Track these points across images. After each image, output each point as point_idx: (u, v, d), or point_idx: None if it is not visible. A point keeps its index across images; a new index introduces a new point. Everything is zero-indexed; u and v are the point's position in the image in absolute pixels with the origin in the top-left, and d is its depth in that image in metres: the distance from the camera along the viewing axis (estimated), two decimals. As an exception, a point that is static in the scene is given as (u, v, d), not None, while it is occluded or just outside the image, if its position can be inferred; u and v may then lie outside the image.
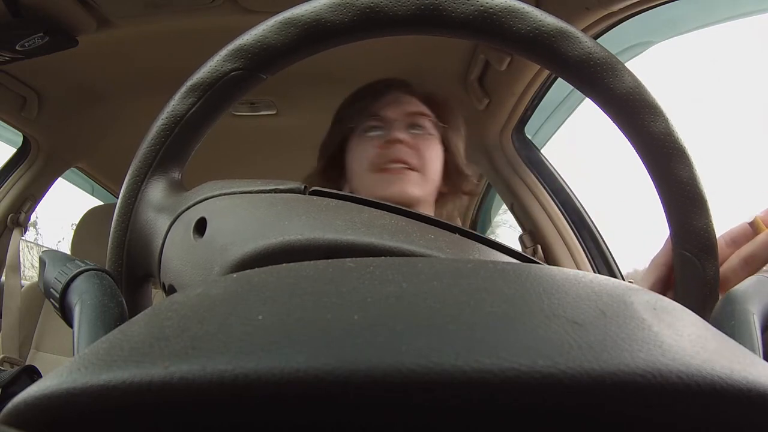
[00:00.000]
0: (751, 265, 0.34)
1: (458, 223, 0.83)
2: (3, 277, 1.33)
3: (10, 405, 0.15)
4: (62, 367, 0.16)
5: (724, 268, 0.34)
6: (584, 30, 0.77)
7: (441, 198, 0.80)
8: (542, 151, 1.25)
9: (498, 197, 1.43)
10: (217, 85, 0.31)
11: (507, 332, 0.15)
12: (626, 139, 0.31)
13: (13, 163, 1.37)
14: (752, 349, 0.25)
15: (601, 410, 0.14)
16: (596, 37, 0.85)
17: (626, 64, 0.30)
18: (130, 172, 0.33)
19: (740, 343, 0.19)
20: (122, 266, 0.33)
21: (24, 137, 1.34)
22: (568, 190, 1.21)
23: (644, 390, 0.14)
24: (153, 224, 0.31)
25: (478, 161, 1.26)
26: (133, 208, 0.32)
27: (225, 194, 0.30)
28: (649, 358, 0.15)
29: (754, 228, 0.34)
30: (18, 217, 1.36)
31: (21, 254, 1.37)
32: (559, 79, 0.63)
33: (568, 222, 1.19)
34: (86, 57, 1.08)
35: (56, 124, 1.30)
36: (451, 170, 0.78)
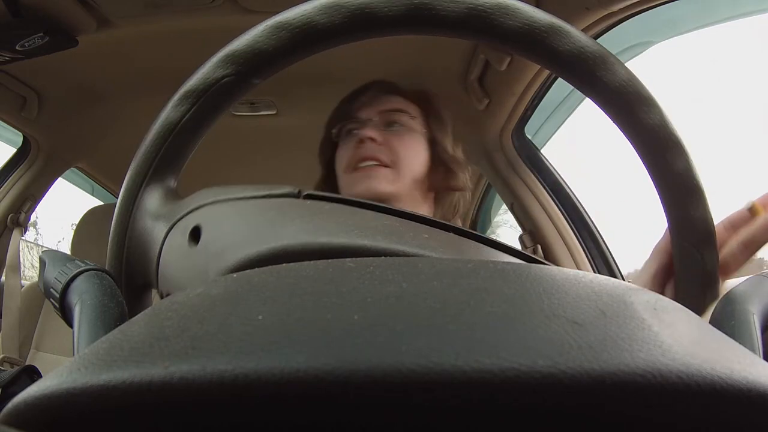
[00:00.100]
0: (750, 249, 0.34)
1: (458, 221, 0.83)
2: (3, 277, 1.33)
3: (10, 405, 0.15)
4: (62, 367, 0.16)
5: (724, 254, 0.34)
6: (584, 30, 0.77)
7: (438, 195, 0.80)
8: (542, 151, 1.25)
9: (498, 197, 1.43)
10: (209, 92, 0.31)
11: (507, 332, 0.15)
12: (621, 132, 0.31)
13: (13, 163, 1.37)
14: (752, 349, 0.25)
15: (601, 410, 0.14)
16: (596, 37, 0.85)
17: (626, 64, 0.30)
18: (126, 180, 0.33)
19: (740, 343, 0.19)
20: (121, 275, 0.33)
21: (24, 137, 1.34)
22: (568, 190, 1.21)
23: (644, 390, 0.14)
24: (150, 233, 0.32)
25: (478, 161, 1.26)
26: (130, 217, 0.32)
27: (219, 201, 0.30)
28: (649, 358, 0.15)
29: (752, 212, 0.34)
30: (18, 217, 1.36)
31: (21, 254, 1.37)
32: (560, 79, 0.63)
33: (568, 222, 1.19)
34: (86, 57, 1.08)
35: (56, 124, 1.30)
36: (437, 165, 0.78)
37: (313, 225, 0.27)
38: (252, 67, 0.30)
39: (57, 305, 0.29)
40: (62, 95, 1.26)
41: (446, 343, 0.14)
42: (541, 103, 1.12)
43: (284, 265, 0.21)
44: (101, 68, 1.18)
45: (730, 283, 0.33)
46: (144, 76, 1.18)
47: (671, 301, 0.20)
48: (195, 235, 0.29)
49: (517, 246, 1.25)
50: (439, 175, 0.78)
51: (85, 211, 1.30)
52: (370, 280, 0.18)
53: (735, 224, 0.35)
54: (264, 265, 0.25)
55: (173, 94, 0.31)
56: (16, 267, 1.32)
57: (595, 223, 1.19)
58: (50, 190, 1.44)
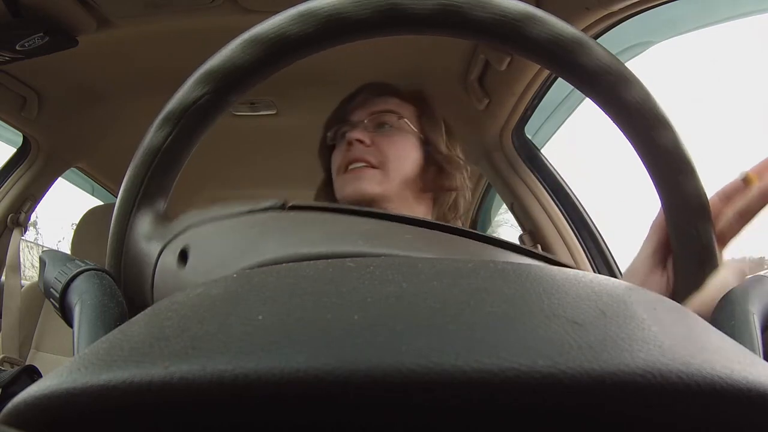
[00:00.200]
0: (745, 218, 0.34)
1: (458, 221, 0.83)
2: (3, 277, 1.33)
3: (10, 405, 0.15)
4: (62, 367, 0.16)
5: (720, 225, 0.34)
6: (584, 30, 0.77)
7: (436, 196, 0.80)
8: (542, 151, 1.25)
9: (498, 197, 1.43)
10: (187, 113, 0.31)
11: (507, 332, 0.15)
12: (605, 113, 0.31)
13: (13, 163, 1.37)
14: (752, 349, 0.25)
15: (601, 410, 0.14)
16: (596, 37, 0.85)
17: (626, 64, 0.30)
18: (116, 207, 0.33)
19: (740, 343, 0.19)
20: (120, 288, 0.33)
21: (24, 137, 1.34)
22: (568, 190, 1.21)
23: (644, 390, 0.14)
24: (143, 257, 0.32)
25: (478, 161, 1.26)
26: (123, 242, 0.32)
27: (204, 222, 0.31)
28: (649, 358, 0.15)
29: (746, 182, 0.34)
30: (18, 217, 1.36)
31: (21, 254, 1.37)
32: (560, 79, 0.63)
33: (568, 222, 1.19)
34: (86, 57, 1.08)
35: (56, 124, 1.30)
36: (430, 165, 0.78)
37: (294, 237, 0.27)
38: (227, 85, 0.30)
39: (57, 305, 0.29)
40: (62, 95, 1.26)
41: (446, 343, 0.14)
42: (541, 103, 1.11)
43: (284, 265, 0.21)
44: (101, 68, 1.18)
45: (729, 283, 0.33)
46: (144, 76, 1.18)
47: (671, 301, 0.20)
48: (183, 257, 0.29)
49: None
50: (432, 175, 0.78)
51: (85, 211, 1.30)
52: (370, 280, 0.18)
53: (729, 195, 0.35)
54: None
55: (156, 118, 0.32)
56: (16, 267, 1.32)
57: (595, 223, 1.19)
58: (50, 190, 1.44)
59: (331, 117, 0.83)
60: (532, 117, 1.16)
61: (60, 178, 1.46)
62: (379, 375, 0.14)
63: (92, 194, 1.80)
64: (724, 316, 0.28)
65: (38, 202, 1.42)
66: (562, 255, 1.16)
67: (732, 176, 0.36)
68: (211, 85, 0.30)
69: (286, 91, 1.21)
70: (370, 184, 0.73)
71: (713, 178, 0.34)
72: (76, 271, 0.29)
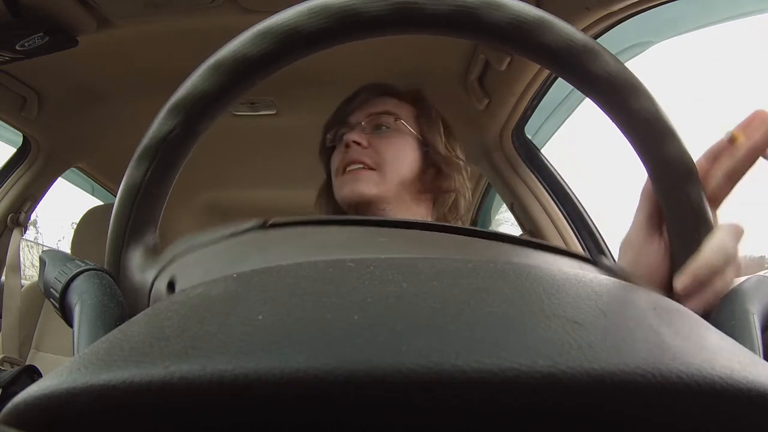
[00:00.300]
0: (734, 178, 0.34)
1: (459, 222, 0.83)
2: (3, 277, 1.33)
3: (10, 405, 0.15)
4: (62, 367, 0.16)
5: (710, 186, 0.33)
6: (584, 30, 0.77)
7: (435, 197, 0.80)
8: (542, 151, 1.25)
9: (498, 197, 1.43)
10: (161, 149, 0.31)
11: (507, 332, 0.15)
12: (575, 87, 0.31)
13: (13, 163, 1.36)
14: (752, 349, 0.25)
15: (601, 410, 0.14)
16: (596, 36, 0.85)
17: (627, 65, 0.30)
18: (107, 245, 0.33)
19: (740, 343, 0.19)
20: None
21: (24, 137, 1.34)
22: (568, 190, 1.21)
23: (644, 390, 0.14)
24: (137, 290, 0.32)
25: (478, 161, 1.26)
26: (118, 278, 0.32)
27: (189, 250, 0.31)
28: (649, 357, 0.15)
29: (731, 141, 0.34)
30: (18, 217, 1.36)
31: (21, 253, 1.37)
32: (560, 79, 0.63)
33: (568, 222, 1.19)
34: (86, 57, 1.08)
35: (56, 124, 1.30)
36: (428, 167, 0.78)
37: (275, 255, 0.27)
38: (195, 115, 0.30)
39: (57, 305, 0.29)
40: (62, 95, 1.25)
41: (446, 343, 0.14)
42: (541, 103, 1.11)
43: (284, 264, 0.21)
44: (101, 68, 1.18)
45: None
46: (144, 76, 1.18)
47: (671, 301, 0.20)
48: (171, 288, 0.30)
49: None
50: (431, 177, 0.78)
51: (85, 211, 1.30)
52: (370, 280, 0.18)
53: (716, 155, 0.34)
54: None
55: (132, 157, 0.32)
56: (16, 267, 1.32)
57: (595, 222, 1.19)
58: (50, 189, 1.44)
59: (330, 119, 0.83)
60: (532, 117, 1.16)
61: (60, 178, 1.46)
62: (379, 375, 0.14)
63: (92, 194, 1.80)
64: (724, 316, 0.28)
65: (38, 202, 1.42)
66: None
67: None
68: (179, 119, 0.30)
69: (286, 91, 1.21)
70: (366, 185, 0.73)
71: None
72: (76, 271, 0.29)
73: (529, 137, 1.23)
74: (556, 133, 1.25)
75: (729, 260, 0.31)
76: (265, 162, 1.65)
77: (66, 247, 2.08)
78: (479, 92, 1.12)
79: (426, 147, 0.78)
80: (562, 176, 1.22)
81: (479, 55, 1.05)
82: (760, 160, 0.34)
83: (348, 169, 0.75)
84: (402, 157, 0.76)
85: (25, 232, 1.39)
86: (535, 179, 1.21)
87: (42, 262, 0.31)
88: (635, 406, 0.14)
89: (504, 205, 1.35)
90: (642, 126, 0.30)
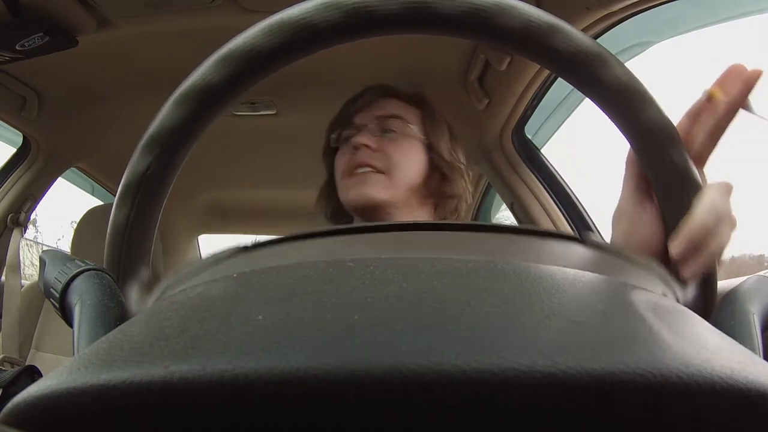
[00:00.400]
0: (716, 136, 0.33)
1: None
2: (3, 277, 1.33)
3: (10, 405, 0.15)
4: (62, 367, 0.16)
5: (694, 148, 0.33)
6: (584, 30, 0.77)
7: (437, 201, 0.79)
8: (542, 151, 1.25)
9: (498, 197, 1.43)
10: (141, 187, 0.31)
11: (507, 332, 0.15)
12: (541, 65, 0.31)
13: (13, 163, 1.36)
14: (752, 349, 0.25)
15: (601, 410, 0.14)
16: (596, 37, 0.85)
17: (626, 64, 0.30)
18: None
19: (740, 343, 0.19)
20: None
21: (24, 137, 1.34)
22: (568, 190, 1.21)
23: (644, 390, 0.14)
24: None
25: (478, 161, 1.26)
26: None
27: (178, 282, 0.31)
28: (649, 357, 0.15)
29: (710, 99, 0.33)
30: (18, 216, 1.36)
31: (21, 252, 1.37)
32: (559, 79, 0.63)
33: (568, 222, 1.19)
34: (86, 57, 1.08)
35: (56, 124, 1.30)
36: (434, 172, 0.78)
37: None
38: (168, 150, 0.30)
39: (57, 305, 0.29)
40: (62, 95, 1.26)
41: (446, 343, 0.14)
42: (541, 103, 1.11)
43: (284, 265, 0.21)
44: (101, 68, 1.18)
45: (730, 283, 0.32)
46: (144, 76, 1.18)
47: (672, 301, 0.20)
48: None
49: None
50: (436, 182, 0.78)
51: (85, 211, 1.30)
52: (370, 280, 0.18)
53: (696, 114, 0.34)
54: None
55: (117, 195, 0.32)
56: (16, 267, 1.32)
57: (595, 222, 1.19)
58: (50, 189, 1.44)
59: (334, 119, 0.82)
60: (532, 117, 1.16)
61: (60, 178, 1.46)
62: (379, 375, 0.14)
63: (92, 194, 1.80)
64: (724, 316, 0.27)
65: (38, 202, 1.42)
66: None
67: (732, 173, 0.35)
68: (154, 154, 0.30)
69: (286, 91, 1.21)
70: (375, 188, 0.72)
71: (713, 176, 0.34)
72: (76, 271, 0.29)
73: (529, 137, 1.23)
74: (556, 133, 1.25)
75: (721, 218, 0.31)
76: (265, 162, 1.65)
77: (65, 246, 2.08)
78: (479, 92, 1.12)
79: (432, 152, 0.78)
80: (562, 176, 1.22)
81: (479, 55, 1.05)
82: (741, 112, 0.33)
83: (356, 171, 0.74)
84: (411, 161, 0.76)
85: (25, 232, 1.39)
86: (535, 179, 1.21)
87: (42, 262, 0.31)
88: (635, 406, 0.14)
89: (504, 205, 1.35)
90: (619, 95, 0.30)
